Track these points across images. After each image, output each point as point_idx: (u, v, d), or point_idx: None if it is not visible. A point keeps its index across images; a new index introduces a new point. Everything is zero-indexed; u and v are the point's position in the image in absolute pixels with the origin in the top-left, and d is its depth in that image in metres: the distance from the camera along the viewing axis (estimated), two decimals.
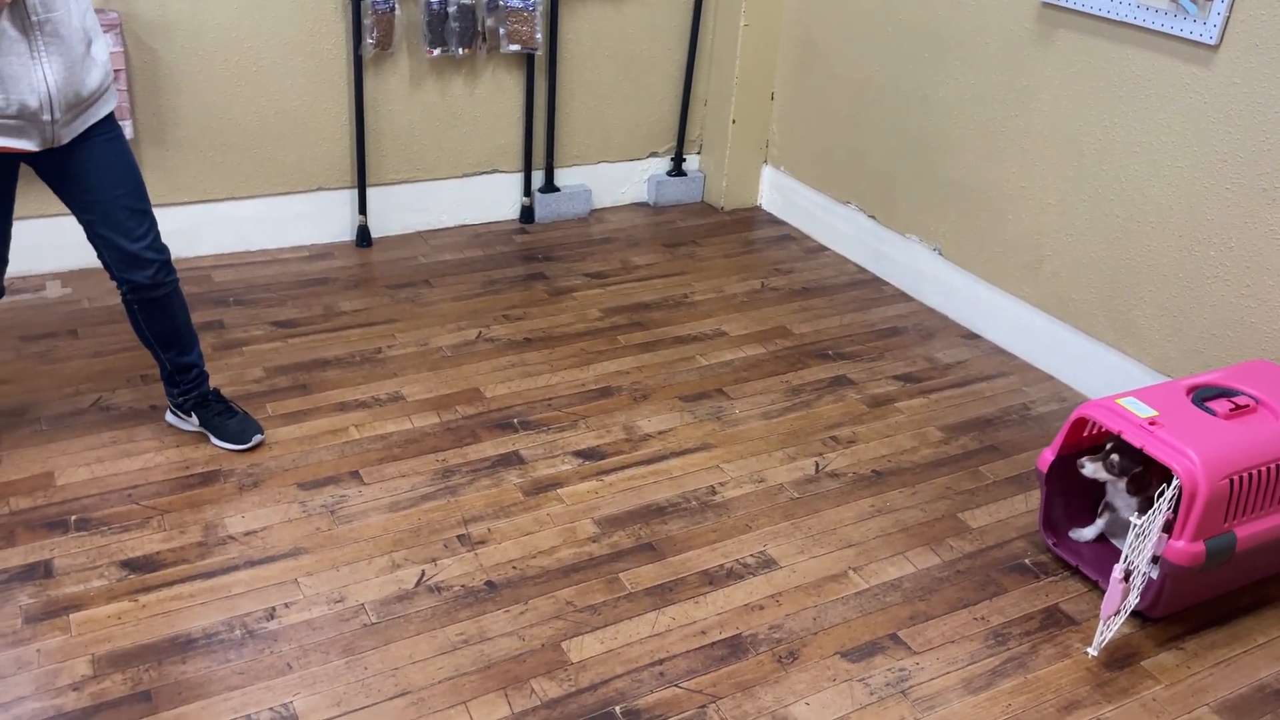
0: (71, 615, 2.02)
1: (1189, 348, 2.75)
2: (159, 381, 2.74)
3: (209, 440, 2.52)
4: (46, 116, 2.09)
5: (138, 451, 2.48)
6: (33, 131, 2.10)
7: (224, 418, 2.52)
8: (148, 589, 2.09)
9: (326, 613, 2.07)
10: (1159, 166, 2.74)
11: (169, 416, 2.58)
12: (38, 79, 2.05)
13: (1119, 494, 2.26)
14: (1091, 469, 2.22)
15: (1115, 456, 2.18)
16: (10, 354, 2.83)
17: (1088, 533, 2.36)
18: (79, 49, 2.11)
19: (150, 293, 2.35)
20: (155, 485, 2.38)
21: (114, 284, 2.38)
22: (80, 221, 2.28)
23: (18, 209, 3.14)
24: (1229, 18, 2.52)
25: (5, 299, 3.06)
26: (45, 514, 2.27)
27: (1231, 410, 2.16)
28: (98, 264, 3.26)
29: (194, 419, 2.53)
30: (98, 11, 2.95)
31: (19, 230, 3.16)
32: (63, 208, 3.18)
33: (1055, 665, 2.08)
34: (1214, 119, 2.60)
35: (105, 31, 2.94)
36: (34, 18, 2.01)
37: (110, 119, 2.24)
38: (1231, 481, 2.03)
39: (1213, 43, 2.55)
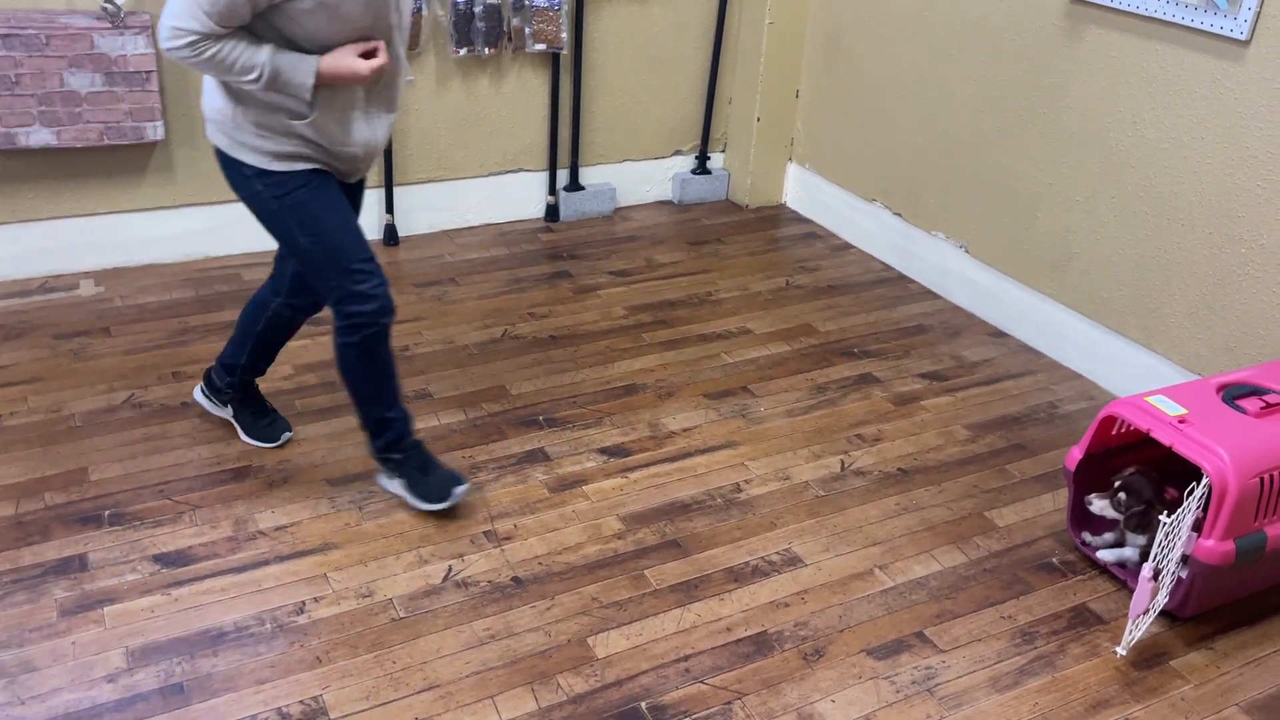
0: (105, 608, 2.05)
1: (1220, 345, 2.73)
2: (190, 379, 2.78)
3: (239, 436, 2.55)
4: (363, 165, 2.20)
5: (170, 448, 2.52)
6: (337, 170, 2.19)
7: (257, 417, 2.54)
8: (180, 583, 2.12)
9: (355, 607, 2.09)
10: (1189, 163, 2.72)
11: (198, 395, 2.61)
12: (368, 136, 2.14)
13: (1126, 534, 2.25)
14: (1099, 505, 2.21)
15: (1122, 495, 2.18)
16: (45, 352, 2.87)
17: (1108, 555, 2.32)
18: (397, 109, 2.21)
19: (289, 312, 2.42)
20: (187, 481, 2.41)
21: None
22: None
23: (53, 208, 3.19)
24: (1260, 12, 2.49)
25: (38, 297, 3.11)
26: (80, 509, 2.31)
27: (1262, 408, 2.14)
28: (130, 263, 3.32)
29: (228, 410, 2.56)
30: (130, 13, 2.99)
31: (53, 229, 3.21)
32: (96, 208, 3.23)
33: (1083, 664, 2.07)
34: (1244, 115, 2.57)
35: (137, 33, 2.98)
36: (383, 81, 2.11)
37: None
38: (1262, 480, 2.01)
39: (1244, 38, 2.52)
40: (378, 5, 1.99)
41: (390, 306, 2.18)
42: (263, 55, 1.94)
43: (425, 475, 2.31)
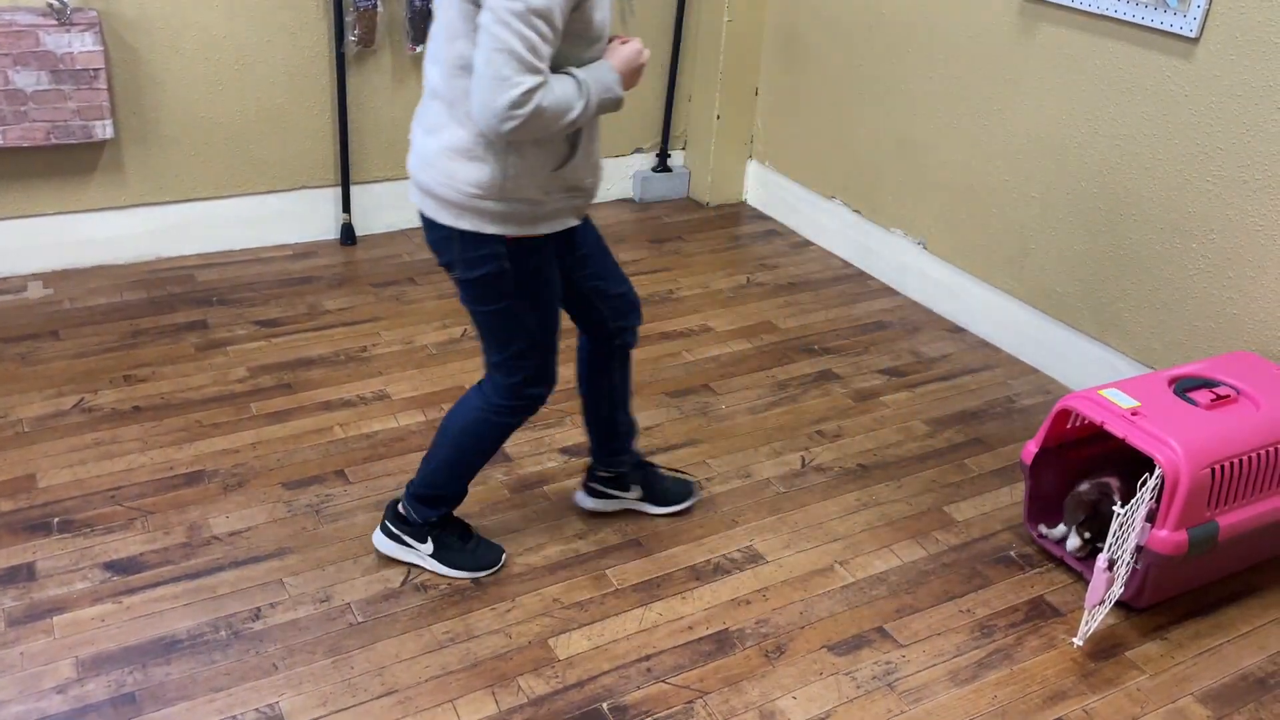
0: (55, 618, 2.00)
1: (1172, 340, 2.77)
2: (142, 382, 2.73)
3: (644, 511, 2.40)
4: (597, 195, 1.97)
5: (121, 452, 2.47)
6: (579, 211, 1.92)
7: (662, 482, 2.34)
8: (131, 591, 2.08)
9: (312, 612, 2.06)
10: (1140, 159, 2.75)
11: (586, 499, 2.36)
12: (599, 156, 1.91)
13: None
14: (1074, 545, 2.28)
15: (1087, 532, 2.25)
16: None
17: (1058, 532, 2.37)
18: None
19: (633, 338, 2.21)
20: (139, 486, 2.37)
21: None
22: (587, 289, 2.07)
23: None
24: (1209, 10, 2.53)
25: None
26: (28, 516, 2.25)
27: (1213, 400, 2.17)
28: (79, 264, 3.26)
29: (634, 491, 2.34)
30: (76, 9, 2.93)
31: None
32: (44, 208, 3.16)
33: (1041, 656, 2.09)
34: (1195, 111, 2.61)
35: (84, 30, 2.93)
36: None
37: None
38: (1213, 470, 2.04)
39: (1193, 35, 2.56)
40: None
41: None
42: (570, 82, 1.67)
43: (464, 544, 2.18)
